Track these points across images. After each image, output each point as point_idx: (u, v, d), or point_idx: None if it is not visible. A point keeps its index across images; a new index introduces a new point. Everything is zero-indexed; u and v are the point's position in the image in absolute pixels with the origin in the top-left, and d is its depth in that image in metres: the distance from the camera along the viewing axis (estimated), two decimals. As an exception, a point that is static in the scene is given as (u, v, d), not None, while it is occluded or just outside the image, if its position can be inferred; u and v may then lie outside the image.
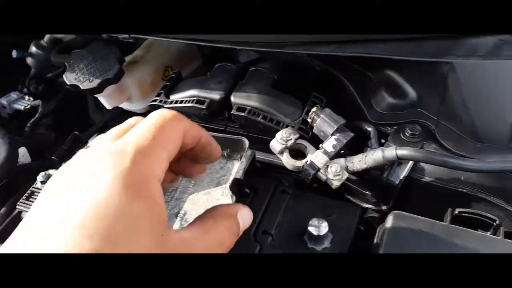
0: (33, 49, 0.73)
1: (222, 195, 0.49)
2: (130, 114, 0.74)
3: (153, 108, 0.58)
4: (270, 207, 0.50)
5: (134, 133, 0.32)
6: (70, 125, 0.81)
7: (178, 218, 0.48)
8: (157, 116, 0.32)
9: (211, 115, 0.56)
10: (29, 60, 0.75)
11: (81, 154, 0.33)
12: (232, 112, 0.53)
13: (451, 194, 0.49)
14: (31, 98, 0.80)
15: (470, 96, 0.48)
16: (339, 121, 0.49)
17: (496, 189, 0.48)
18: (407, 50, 0.45)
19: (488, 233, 0.47)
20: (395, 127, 0.52)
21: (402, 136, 0.51)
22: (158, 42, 0.68)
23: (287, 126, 0.52)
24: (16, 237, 0.29)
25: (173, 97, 0.57)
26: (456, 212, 0.48)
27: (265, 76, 0.56)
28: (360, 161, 0.48)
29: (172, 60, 0.68)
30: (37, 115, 0.76)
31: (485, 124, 0.49)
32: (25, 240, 0.29)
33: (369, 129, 0.52)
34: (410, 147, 0.47)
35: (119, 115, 0.80)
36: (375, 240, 0.46)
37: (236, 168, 0.48)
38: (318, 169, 0.45)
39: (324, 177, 0.45)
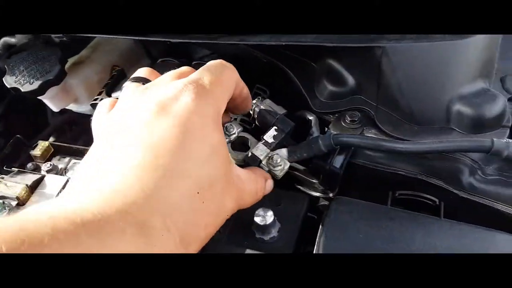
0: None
1: None
2: (85, 116, 0.73)
3: (94, 107, 0.57)
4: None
5: (205, 72, 0.35)
6: (23, 131, 0.79)
7: None
8: (218, 63, 0.37)
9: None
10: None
11: (146, 87, 0.36)
12: (172, 107, 0.52)
13: (392, 178, 0.50)
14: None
15: (405, 79, 0.48)
16: (279, 111, 0.49)
17: (436, 170, 0.49)
18: (339, 37, 0.45)
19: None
20: (337, 115, 0.53)
21: (343, 123, 0.51)
22: (104, 41, 0.67)
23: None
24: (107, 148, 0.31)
25: (115, 94, 0.56)
26: (396, 194, 0.49)
27: (207, 70, 0.56)
28: (301, 151, 0.48)
29: (120, 59, 0.67)
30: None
31: (421, 106, 0.49)
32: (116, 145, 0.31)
33: (311, 118, 0.52)
34: (347, 133, 0.47)
35: (73, 118, 0.79)
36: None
37: None
38: (260, 161, 0.45)
39: (266, 168, 0.45)
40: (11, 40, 0.67)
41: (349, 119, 0.51)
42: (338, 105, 0.54)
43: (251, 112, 0.52)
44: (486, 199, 0.47)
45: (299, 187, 0.56)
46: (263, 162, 0.45)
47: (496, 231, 0.45)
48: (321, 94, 0.55)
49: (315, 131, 0.51)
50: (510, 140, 0.45)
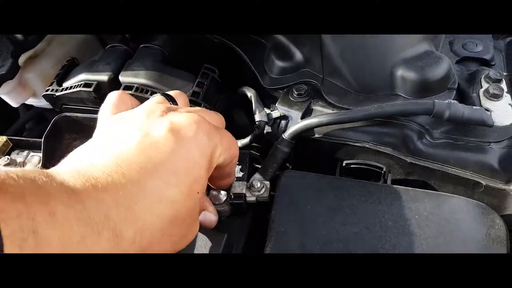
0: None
1: None
2: (52, 111, 0.73)
3: (46, 98, 0.57)
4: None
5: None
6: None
7: None
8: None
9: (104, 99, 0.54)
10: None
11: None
12: (120, 92, 0.52)
13: (341, 148, 0.50)
14: None
15: (345, 47, 0.48)
16: None
17: (384, 138, 0.48)
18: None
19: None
20: (285, 90, 0.53)
21: (290, 98, 0.51)
22: (58, 34, 0.66)
23: (178, 100, 0.52)
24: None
25: (65, 84, 0.56)
26: (344, 164, 0.48)
27: (154, 52, 0.55)
28: (271, 164, 0.48)
29: (75, 50, 0.66)
30: None
31: (364, 74, 0.49)
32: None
33: (250, 94, 0.52)
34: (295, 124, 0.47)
35: (39, 114, 0.79)
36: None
37: None
38: (245, 196, 0.44)
39: (253, 198, 0.45)
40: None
41: (296, 93, 0.51)
42: (286, 80, 0.53)
43: None
44: (435, 163, 0.47)
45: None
46: (248, 195, 0.45)
47: (445, 194, 0.45)
48: (271, 71, 0.55)
49: (257, 107, 0.51)
50: (452, 101, 0.45)
